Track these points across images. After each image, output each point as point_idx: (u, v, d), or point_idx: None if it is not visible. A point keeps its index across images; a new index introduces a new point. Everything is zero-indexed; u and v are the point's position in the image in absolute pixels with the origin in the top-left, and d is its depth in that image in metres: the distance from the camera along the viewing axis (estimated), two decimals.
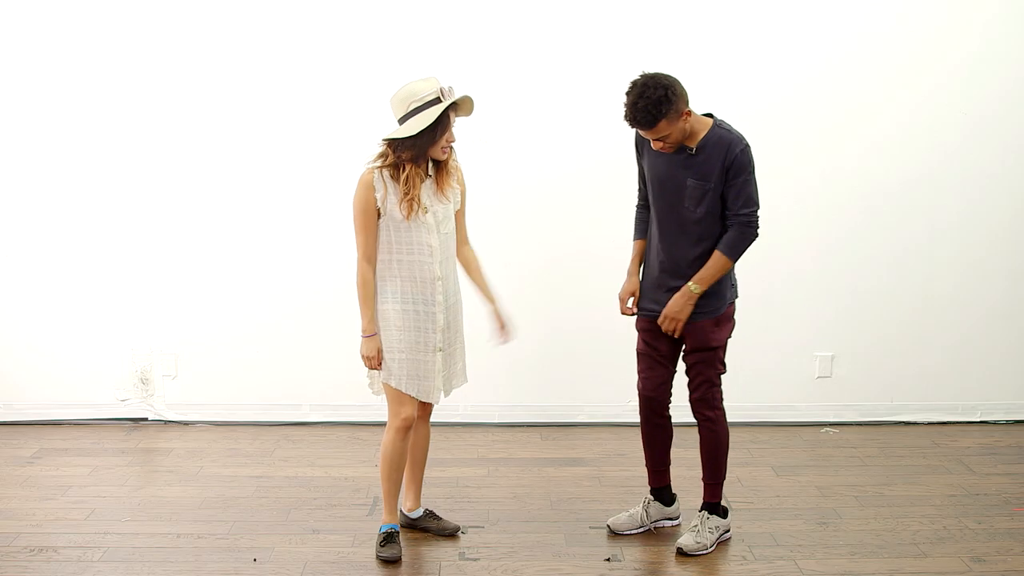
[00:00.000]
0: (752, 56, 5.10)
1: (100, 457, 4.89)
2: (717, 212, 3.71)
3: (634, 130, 3.72)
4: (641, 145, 3.83)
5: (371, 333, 3.75)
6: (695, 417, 3.89)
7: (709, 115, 3.73)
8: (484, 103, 5.02)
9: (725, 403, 5.36)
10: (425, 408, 3.94)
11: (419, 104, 3.60)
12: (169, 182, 5.19)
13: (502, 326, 3.97)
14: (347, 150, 4.74)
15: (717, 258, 3.70)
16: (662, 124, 3.51)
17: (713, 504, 3.95)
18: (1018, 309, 5.36)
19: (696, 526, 3.91)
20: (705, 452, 3.91)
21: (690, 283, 3.72)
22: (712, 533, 3.90)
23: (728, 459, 3.96)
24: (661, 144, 3.61)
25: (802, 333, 5.34)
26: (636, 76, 3.56)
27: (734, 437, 5.11)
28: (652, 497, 4.09)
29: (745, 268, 5.16)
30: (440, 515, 4.11)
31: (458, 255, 3.93)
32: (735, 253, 3.71)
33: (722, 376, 3.89)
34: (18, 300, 5.28)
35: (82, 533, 4.04)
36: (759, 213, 3.69)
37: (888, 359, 5.36)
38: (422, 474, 4.07)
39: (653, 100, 3.48)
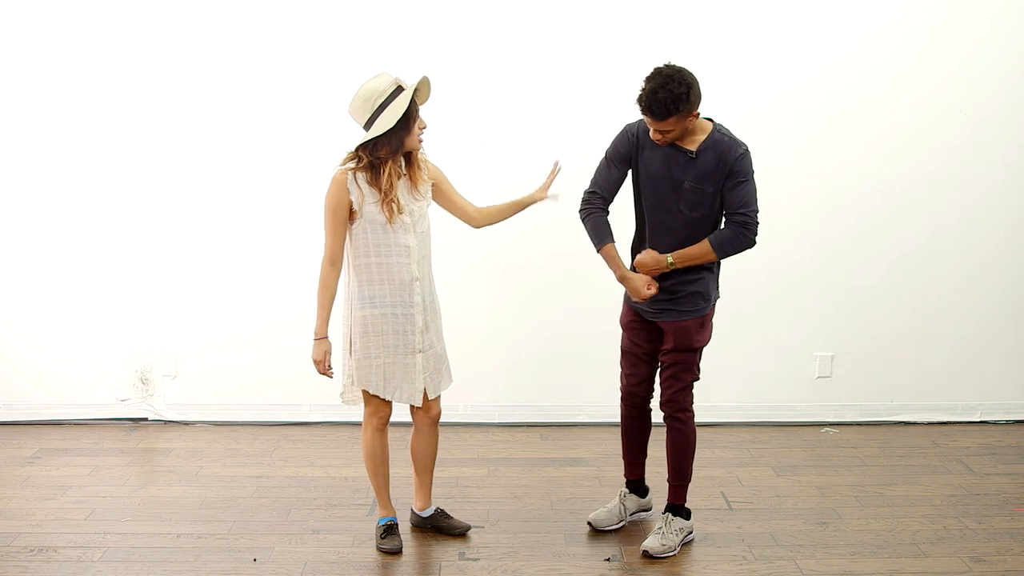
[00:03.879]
0: (753, 56, 5.10)
1: (100, 457, 4.89)
2: (711, 217, 3.70)
3: (627, 131, 3.74)
4: (638, 144, 3.73)
5: (322, 336, 3.75)
6: (665, 419, 3.88)
7: (709, 119, 3.71)
8: (484, 103, 5.07)
9: (727, 403, 5.37)
10: (432, 414, 3.94)
11: (383, 99, 3.60)
12: (169, 183, 5.19)
13: (540, 192, 3.95)
14: (345, 154, 4.74)
15: (703, 245, 3.66)
16: (672, 119, 3.49)
17: (677, 506, 3.95)
18: (1018, 309, 5.36)
19: (660, 528, 3.90)
20: (672, 454, 3.90)
21: (668, 255, 3.69)
22: (676, 535, 3.89)
23: (695, 461, 3.96)
24: (660, 136, 3.59)
25: (802, 333, 5.34)
26: (661, 64, 3.52)
27: (734, 437, 5.17)
28: (628, 490, 4.12)
29: (745, 268, 5.19)
30: (450, 514, 4.11)
31: (476, 219, 3.93)
32: (723, 249, 3.66)
33: (695, 383, 3.87)
34: (18, 300, 5.28)
35: (82, 533, 4.03)
36: (758, 219, 3.65)
37: (888, 359, 5.36)
38: (431, 475, 4.06)
39: (675, 95, 3.44)
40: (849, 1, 5.08)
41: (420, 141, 3.70)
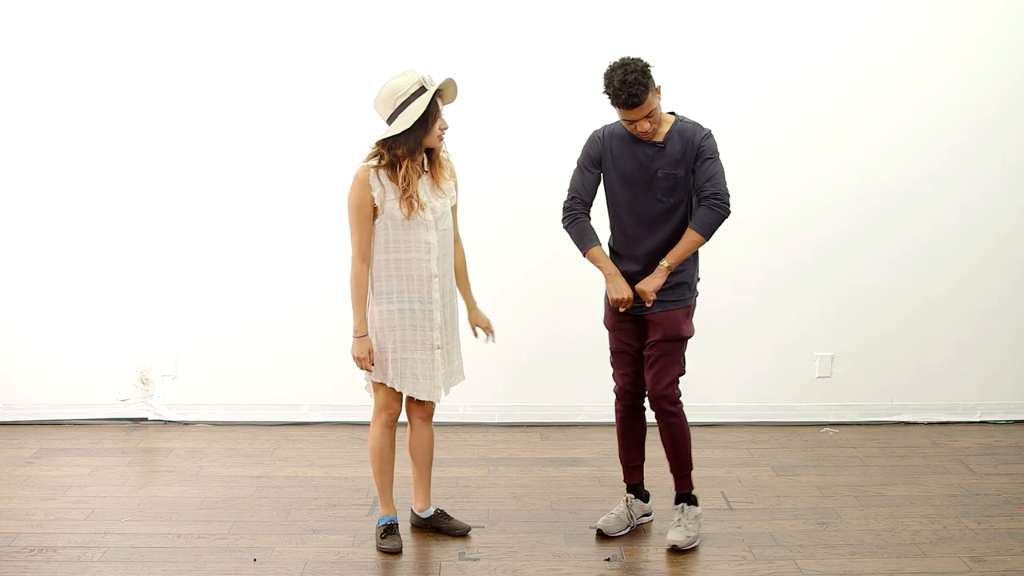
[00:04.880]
0: (753, 56, 5.10)
1: (100, 457, 4.89)
2: (684, 203, 3.77)
3: (595, 135, 3.82)
4: (608, 147, 3.80)
5: (362, 334, 3.75)
6: (658, 415, 3.89)
7: (672, 113, 3.79)
8: (484, 103, 5.07)
9: (727, 403, 5.36)
10: (426, 409, 3.94)
11: (405, 98, 3.61)
12: (169, 183, 5.19)
13: (482, 330, 4.03)
14: (347, 153, 4.72)
15: (689, 235, 3.73)
16: (648, 97, 3.57)
17: (686, 494, 3.98)
18: (1018, 309, 5.36)
19: (680, 520, 3.93)
20: (671, 446, 3.92)
21: (663, 260, 3.75)
22: (695, 523, 3.93)
23: (693, 451, 3.98)
24: (648, 126, 3.64)
25: (802, 333, 5.34)
26: (606, 67, 3.60)
27: (734, 437, 5.17)
28: (633, 495, 4.12)
29: (745, 268, 5.21)
30: (451, 515, 4.11)
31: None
32: (708, 229, 3.73)
33: (681, 377, 3.90)
34: (18, 300, 5.28)
35: (82, 533, 4.03)
36: (728, 190, 3.72)
37: (888, 359, 5.36)
38: (429, 474, 4.06)
39: (640, 71, 3.54)
40: (849, 1, 5.08)
41: (440, 139, 3.70)
